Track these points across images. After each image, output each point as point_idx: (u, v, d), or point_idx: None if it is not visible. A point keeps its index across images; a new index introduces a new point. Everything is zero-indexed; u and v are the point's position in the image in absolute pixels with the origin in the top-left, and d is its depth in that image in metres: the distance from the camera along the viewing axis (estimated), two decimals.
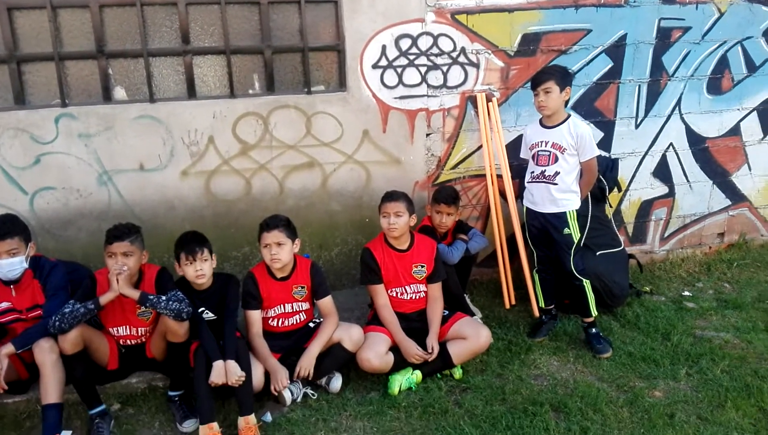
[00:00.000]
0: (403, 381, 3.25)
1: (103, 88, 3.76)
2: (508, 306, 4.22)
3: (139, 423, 3.11)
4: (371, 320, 3.55)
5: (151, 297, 2.95)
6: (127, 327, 3.16)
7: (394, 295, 3.50)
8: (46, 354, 2.85)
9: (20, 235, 3.05)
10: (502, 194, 4.33)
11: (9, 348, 2.88)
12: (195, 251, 3.12)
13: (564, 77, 3.57)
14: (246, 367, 2.99)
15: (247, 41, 3.94)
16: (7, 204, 3.66)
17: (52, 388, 2.84)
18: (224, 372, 2.90)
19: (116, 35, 3.74)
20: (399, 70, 4.11)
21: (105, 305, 2.94)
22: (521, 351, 3.66)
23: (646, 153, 4.80)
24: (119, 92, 3.82)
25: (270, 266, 3.25)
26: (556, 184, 3.62)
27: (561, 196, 3.63)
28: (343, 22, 3.97)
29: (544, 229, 3.73)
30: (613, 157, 4.63)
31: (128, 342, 3.20)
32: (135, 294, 2.94)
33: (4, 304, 3.10)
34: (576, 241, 3.66)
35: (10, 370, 2.89)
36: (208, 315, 3.22)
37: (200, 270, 3.13)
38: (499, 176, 4.30)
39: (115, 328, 3.16)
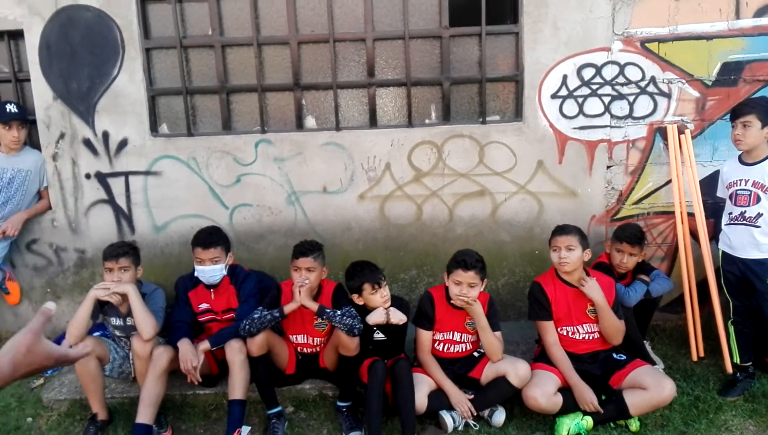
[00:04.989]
0: (572, 425, 3.06)
1: (297, 117, 4.13)
2: (695, 358, 3.80)
3: (309, 428, 3.29)
4: (538, 357, 3.42)
5: (328, 310, 3.13)
6: (305, 336, 3.38)
7: (565, 333, 3.32)
8: (236, 354, 3.15)
9: (222, 245, 3.44)
10: (693, 234, 3.95)
11: (205, 345, 3.24)
12: (380, 280, 3.27)
13: None
14: (409, 388, 3.04)
15: (427, 73, 4.09)
16: (212, 217, 4.14)
17: (238, 386, 3.13)
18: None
19: (310, 69, 4.11)
20: (580, 100, 3.98)
21: (288, 314, 3.18)
22: (710, 409, 3.27)
23: None
24: (310, 121, 4.17)
25: (454, 302, 3.22)
26: (758, 226, 3.24)
27: (765, 240, 3.23)
28: (524, 52, 3.96)
29: (743, 276, 3.34)
30: None
31: (304, 350, 3.42)
32: (314, 306, 3.15)
33: (204, 305, 3.49)
34: None
35: (203, 365, 3.22)
36: (379, 335, 3.33)
37: (386, 295, 3.27)
38: (690, 214, 3.93)
39: (294, 336, 3.40)
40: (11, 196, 3.98)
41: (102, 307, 3.35)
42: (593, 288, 3.24)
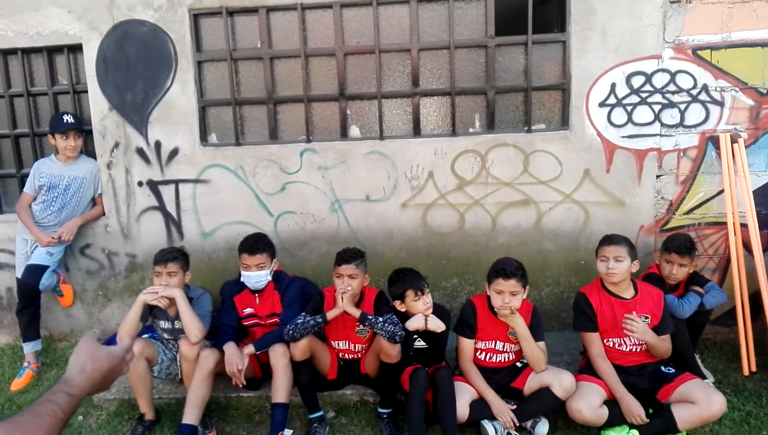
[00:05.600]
0: None
1: (341, 126, 4.18)
2: (746, 372, 3.67)
3: (350, 433, 3.30)
4: (584, 369, 3.34)
5: (370, 317, 3.14)
6: (347, 342, 3.40)
7: (611, 345, 3.25)
8: (279, 358, 3.19)
9: (268, 251, 3.50)
10: (746, 246, 3.82)
11: (250, 349, 3.30)
12: (423, 286, 3.28)
13: None
14: (450, 397, 3.02)
15: (471, 83, 4.09)
16: (257, 223, 4.22)
17: (281, 389, 3.17)
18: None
19: (356, 79, 4.16)
20: (629, 108, 3.91)
21: (330, 320, 3.20)
22: (762, 426, 3.15)
23: None
24: (354, 130, 4.22)
25: (498, 312, 3.18)
26: None
27: None
28: (571, 61, 3.92)
29: None
30: None
31: (346, 356, 3.44)
32: (356, 312, 3.17)
33: (249, 310, 3.56)
34: None
35: (247, 368, 3.26)
36: (420, 343, 3.33)
37: (428, 302, 3.28)
38: (744, 225, 3.81)
39: (336, 342, 3.43)
40: (67, 202, 4.15)
41: (151, 310, 3.45)
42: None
